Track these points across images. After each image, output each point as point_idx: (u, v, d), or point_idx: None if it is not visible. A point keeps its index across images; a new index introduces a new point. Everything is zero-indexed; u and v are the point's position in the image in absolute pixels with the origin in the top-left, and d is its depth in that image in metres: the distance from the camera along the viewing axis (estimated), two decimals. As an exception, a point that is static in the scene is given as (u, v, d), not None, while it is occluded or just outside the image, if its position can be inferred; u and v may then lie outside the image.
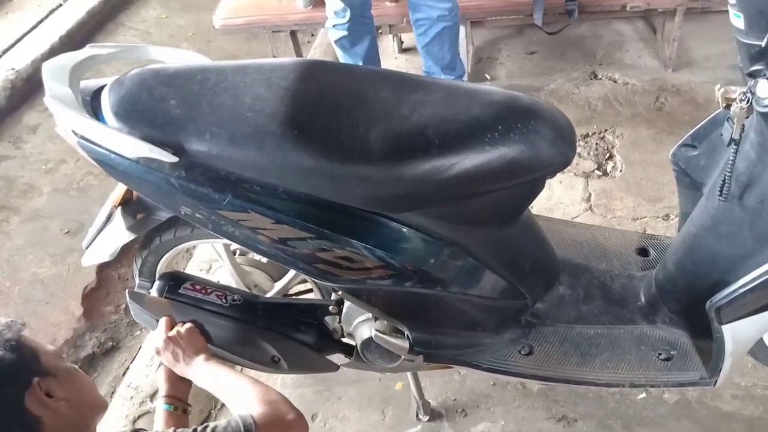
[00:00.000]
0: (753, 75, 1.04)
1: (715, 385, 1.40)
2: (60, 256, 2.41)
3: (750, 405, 1.70)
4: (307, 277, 1.60)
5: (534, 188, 1.27)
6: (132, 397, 1.92)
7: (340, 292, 1.32)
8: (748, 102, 1.07)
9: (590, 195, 2.47)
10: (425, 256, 1.24)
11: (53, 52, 3.46)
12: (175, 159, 1.13)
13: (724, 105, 1.13)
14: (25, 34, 3.59)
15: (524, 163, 1.16)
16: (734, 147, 1.15)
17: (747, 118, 1.11)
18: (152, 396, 1.93)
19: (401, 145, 1.14)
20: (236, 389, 1.17)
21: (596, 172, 2.58)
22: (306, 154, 1.13)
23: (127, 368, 2.09)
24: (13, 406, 0.91)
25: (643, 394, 1.76)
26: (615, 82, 3.09)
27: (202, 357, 1.27)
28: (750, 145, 1.18)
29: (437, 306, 1.33)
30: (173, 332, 1.31)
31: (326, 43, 3.69)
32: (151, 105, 1.18)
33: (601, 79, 3.13)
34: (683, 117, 2.78)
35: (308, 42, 3.92)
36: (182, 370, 1.27)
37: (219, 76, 1.23)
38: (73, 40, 3.54)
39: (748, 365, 1.76)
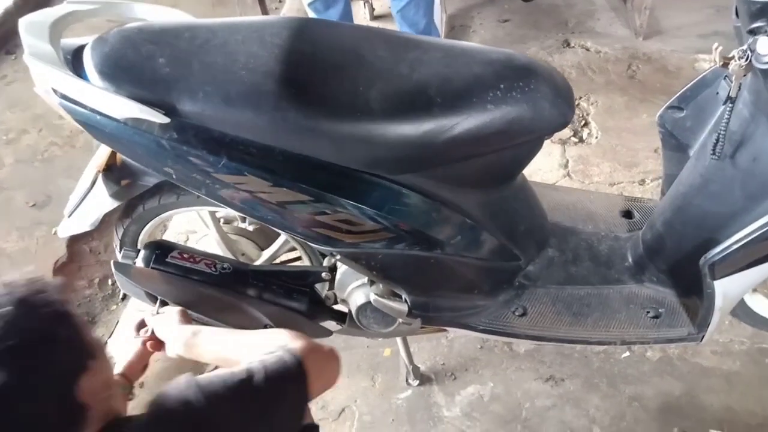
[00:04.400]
0: (753, 32, 1.05)
1: (702, 340, 1.45)
2: (27, 230, 2.31)
3: (728, 360, 1.77)
4: (296, 245, 1.58)
5: (532, 148, 1.27)
6: (113, 372, 1.87)
7: (338, 257, 1.30)
8: (747, 59, 1.08)
9: (567, 161, 2.49)
10: (425, 218, 1.23)
11: (8, 16, 3.29)
12: (166, 120, 1.08)
13: (722, 63, 1.14)
14: (-25, -1, 3.40)
15: (526, 122, 1.15)
16: (730, 105, 1.16)
17: (744, 76, 1.13)
18: (134, 370, 1.89)
19: (403, 104, 1.12)
20: (257, 341, 1.00)
21: (572, 138, 2.60)
22: (305, 113, 1.10)
23: (105, 344, 2.03)
24: (61, 395, 0.75)
25: (627, 353, 1.81)
26: (588, 50, 3.11)
27: (198, 330, 1.12)
28: (743, 103, 1.20)
29: (435, 268, 1.32)
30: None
31: (295, 9, 3.60)
32: (138, 63, 1.13)
33: (573, 47, 3.14)
34: (655, 84, 2.82)
35: (276, 8, 3.82)
36: (196, 351, 1.10)
37: (208, 34, 1.19)
38: (29, 4, 3.37)
39: (725, 322, 1.82)
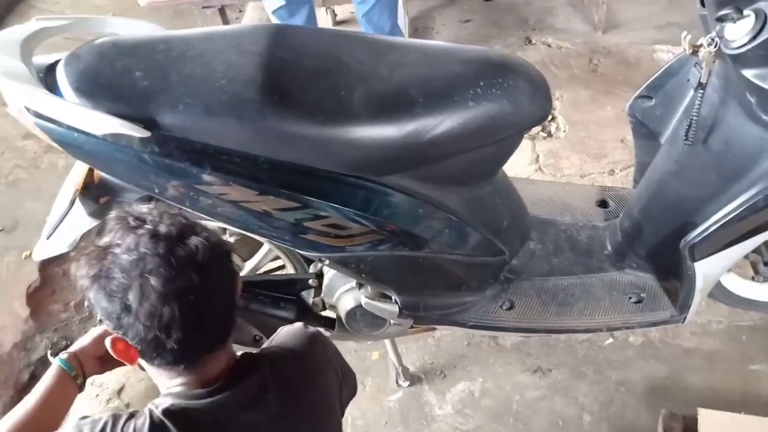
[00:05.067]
0: (721, 19, 1.09)
1: (684, 321, 1.49)
2: (-5, 256, 2.24)
3: (708, 340, 1.82)
4: (280, 253, 1.56)
5: (513, 144, 1.29)
6: (97, 395, 1.84)
7: (326, 262, 1.30)
8: (716, 46, 1.12)
9: (538, 156, 2.53)
10: (411, 217, 1.24)
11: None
12: (146, 133, 1.06)
13: (691, 51, 1.18)
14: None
15: (507, 118, 1.17)
16: (701, 91, 1.20)
17: (714, 62, 1.16)
18: (119, 392, 1.85)
19: (385, 106, 1.13)
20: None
21: (541, 133, 2.64)
22: (289, 120, 1.10)
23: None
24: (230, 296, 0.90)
25: (610, 340, 1.84)
26: (549, 46, 3.17)
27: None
28: (713, 89, 1.24)
29: (424, 268, 1.33)
30: None
31: (256, 18, 3.58)
32: (115, 78, 1.11)
33: (535, 44, 3.20)
34: (617, 77, 2.89)
35: (236, 18, 3.79)
36: None
37: (184, 45, 1.18)
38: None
39: (702, 304, 1.87)
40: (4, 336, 2.00)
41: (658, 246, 1.46)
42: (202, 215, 1.21)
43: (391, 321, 1.41)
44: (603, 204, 1.75)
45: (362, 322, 1.44)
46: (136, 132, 1.06)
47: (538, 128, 2.66)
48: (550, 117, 2.72)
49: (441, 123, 1.12)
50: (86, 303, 0.85)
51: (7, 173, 2.59)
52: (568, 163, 2.49)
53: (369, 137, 1.12)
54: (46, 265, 2.22)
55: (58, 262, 2.26)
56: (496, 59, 1.22)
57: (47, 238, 1.35)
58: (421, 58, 1.20)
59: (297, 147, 1.12)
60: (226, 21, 3.23)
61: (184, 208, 1.19)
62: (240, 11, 3.88)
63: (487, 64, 1.20)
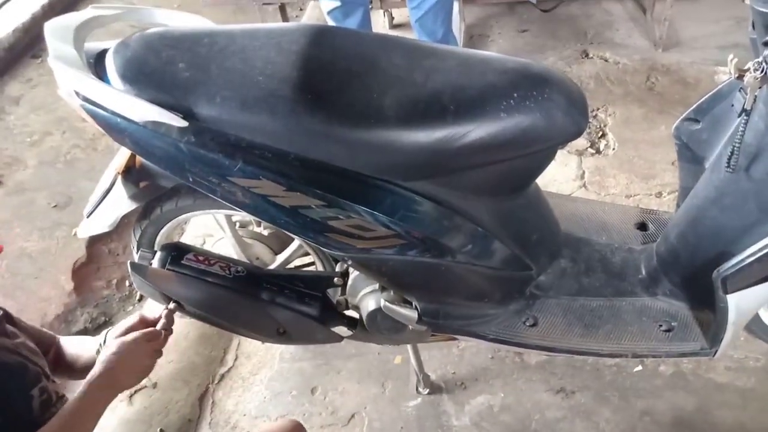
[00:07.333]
0: (768, 44, 1.05)
1: (714, 355, 1.43)
2: (48, 230, 2.35)
3: (743, 376, 1.74)
4: (310, 250, 1.59)
5: (545, 158, 1.27)
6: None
7: (349, 262, 1.31)
8: (762, 72, 1.08)
9: (584, 172, 2.48)
10: (437, 225, 1.23)
11: (35, 21, 3.36)
12: (184, 123, 1.10)
13: (737, 75, 1.14)
14: (5, 2, 3.48)
15: (539, 132, 1.15)
16: (745, 118, 1.15)
17: (760, 88, 1.12)
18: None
19: (416, 111, 1.13)
20: None
21: (589, 149, 2.59)
22: (320, 119, 1.11)
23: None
24: None
25: (639, 367, 1.79)
26: (606, 61, 3.10)
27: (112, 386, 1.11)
28: (759, 116, 1.19)
29: (446, 276, 1.32)
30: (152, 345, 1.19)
31: (315, 17, 3.64)
32: (159, 68, 1.15)
33: (592, 57, 3.14)
34: (674, 96, 2.81)
35: (297, 16, 3.87)
36: (99, 369, 1.09)
37: (227, 40, 1.21)
38: (55, 9, 3.45)
39: (740, 338, 1.80)
40: (48, 307, 2.11)
41: (693, 274, 1.41)
42: (232, 206, 1.25)
43: (410, 326, 1.41)
44: (642, 227, 1.70)
45: (382, 324, 1.44)
46: (175, 121, 1.09)
47: (586, 144, 2.61)
48: (600, 133, 2.67)
49: (470, 132, 1.12)
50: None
51: (66, 152, 2.72)
52: (615, 181, 2.43)
53: (398, 141, 1.12)
54: (93, 242, 2.33)
55: (105, 240, 2.37)
56: (533, 71, 1.20)
57: (87, 217, 1.41)
58: (457, 66, 1.20)
59: (326, 146, 1.13)
60: (286, 19, 3.30)
61: (215, 198, 1.23)
62: (301, 9, 3.96)
63: (524, 76, 1.18)
